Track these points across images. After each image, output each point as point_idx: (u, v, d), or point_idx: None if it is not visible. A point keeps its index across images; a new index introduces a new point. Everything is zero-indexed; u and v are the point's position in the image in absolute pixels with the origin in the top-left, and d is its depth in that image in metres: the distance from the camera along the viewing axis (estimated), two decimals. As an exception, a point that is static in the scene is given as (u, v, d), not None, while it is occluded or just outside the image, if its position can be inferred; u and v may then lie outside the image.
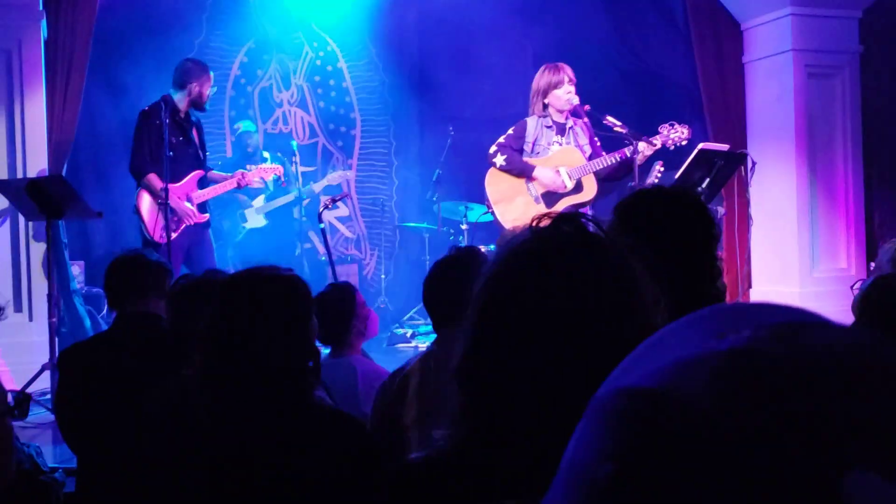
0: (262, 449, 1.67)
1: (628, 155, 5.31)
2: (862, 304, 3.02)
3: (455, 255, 2.63)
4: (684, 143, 5.47)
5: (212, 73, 5.99)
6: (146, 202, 5.75)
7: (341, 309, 3.23)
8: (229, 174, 6.17)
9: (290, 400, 1.73)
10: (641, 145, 5.29)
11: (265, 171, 6.35)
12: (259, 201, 7.28)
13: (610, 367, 0.93)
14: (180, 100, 5.80)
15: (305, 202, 7.44)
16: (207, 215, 5.97)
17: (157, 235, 5.67)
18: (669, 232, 1.82)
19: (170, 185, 5.55)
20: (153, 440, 1.80)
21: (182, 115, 5.82)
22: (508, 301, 1.00)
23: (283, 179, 6.61)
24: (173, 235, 5.63)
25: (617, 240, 1.01)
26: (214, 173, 6.17)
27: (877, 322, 2.98)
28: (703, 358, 0.43)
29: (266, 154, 7.62)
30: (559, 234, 1.02)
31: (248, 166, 6.48)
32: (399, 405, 2.39)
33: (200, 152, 5.94)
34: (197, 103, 5.86)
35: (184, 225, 5.77)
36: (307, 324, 1.80)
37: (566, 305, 0.97)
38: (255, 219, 7.29)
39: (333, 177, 7.49)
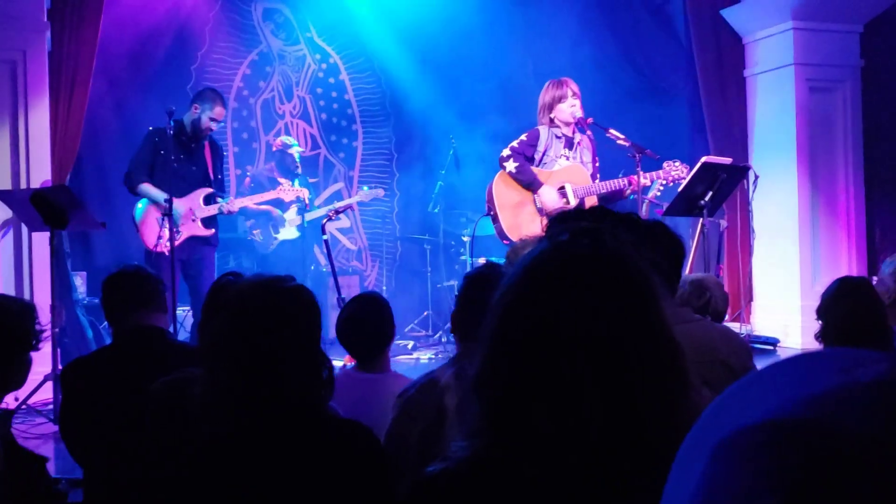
0: (276, 463, 1.65)
1: (628, 185, 5.42)
2: (826, 304, 3.14)
3: (487, 272, 2.49)
4: (680, 181, 5.56)
5: (221, 108, 5.94)
6: (143, 214, 5.81)
7: (380, 321, 3.03)
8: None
9: (305, 413, 1.72)
10: (642, 180, 5.37)
11: (286, 193, 6.37)
12: (291, 213, 7.28)
13: (627, 380, 0.94)
14: (186, 119, 5.89)
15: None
16: (213, 230, 5.97)
17: (155, 246, 5.70)
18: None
19: (173, 199, 5.60)
20: (161, 454, 1.78)
21: (189, 135, 5.88)
22: (527, 313, 1.01)
23: (307, 203, 6.64)
24: (171, 246, 5.68)
25: (635, 253, 1.02)
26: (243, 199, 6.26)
27: (839, 321, 3.08)
28: (845, 390, 0.43)
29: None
30: (578, 247, 1.02)
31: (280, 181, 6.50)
32: (439, 424, 2.22)
33: (211, 173, 5.95)
34: (195, 126, 5.86)
35: (184, 237, 5.77)
36: (316, 334, 1.79)
37: (584, 318, 0.97)
38: (287, 231, 7.29)
39: (367, 194, 7.46)
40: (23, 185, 5.94)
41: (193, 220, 5.86)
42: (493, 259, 7.16)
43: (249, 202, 6.24)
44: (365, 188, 7.61)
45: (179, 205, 5.72)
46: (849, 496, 0.39)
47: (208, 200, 5.95)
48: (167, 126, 5.64)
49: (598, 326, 0.96)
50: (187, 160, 5.88)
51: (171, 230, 5.49)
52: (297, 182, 6.93)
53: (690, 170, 5.53)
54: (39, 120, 6.06)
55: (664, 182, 5.50)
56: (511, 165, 5.52)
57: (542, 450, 0.98)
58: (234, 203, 6.05)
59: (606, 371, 0.96)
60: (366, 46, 8.68)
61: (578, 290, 0.99)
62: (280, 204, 7.18)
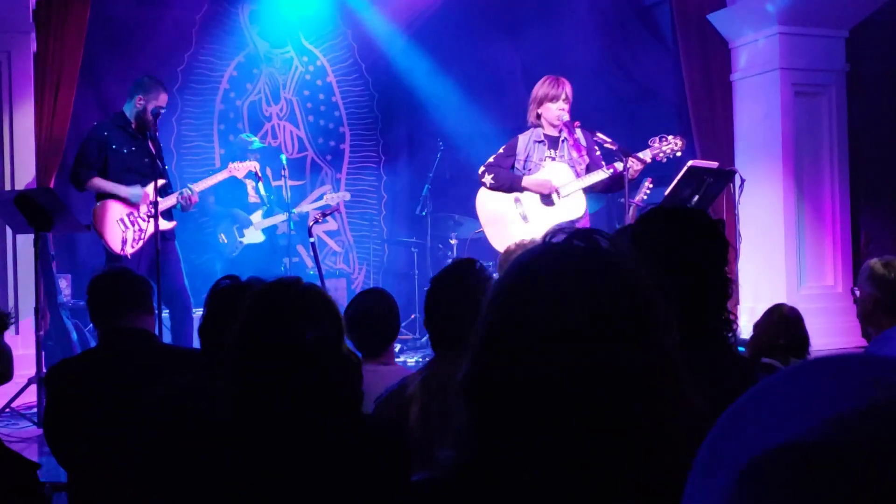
0: (311, 465, 1.61)
1: (619, 169, 5.31)
2: (759, 321, 3.78)
3: (456, 270, 2.53)
4: (679, 154, 5.45)
5: (165, 94, 5.85)
6: (102, 216, 5.68)
7: (389, 314, 3.18)
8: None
9: (342, 413, 1.68)
10: (630, 161, 5.28)
11: (238, 170, 6.26)
12: (257, 216, 7.24)
13: (619, 386, 0.94)
14: (129, 112, 5.75)
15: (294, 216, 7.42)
16: (174, 223, 5.89)
17: (121, 248, 5.62)
18: (682, 254, 1.83)
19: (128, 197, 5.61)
20: (171, 455, 1.74)
21: (133, 127, 5.74)
22: (518, 316, 0.99)
23: (258, 175, 6.53)
24: (137, 247, 5.65)
25: (630, 258, 1.01)
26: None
27: (766, 341, 3.64)
28: (877, 408, 0.42)
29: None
30: (572, 249, 1.01)
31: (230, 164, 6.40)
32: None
33: (160, 164, 5.81)
34: (141, 118, 5.71)
35: (150, 234, 5.63)
36: (341, 330, 1.76)
37: (577, 322, 0.96)
38: (253, 234, 7.26)
39: (332, 197, 7.42)
40: (7, 187, 5.90)
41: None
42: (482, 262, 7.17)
43: (205, 185, 6.11)
44: (330, 193, 7.57)
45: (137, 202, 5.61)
46: None
47: (163, 192, 5.81)
48: (110, 119, 5.60)
49: (589, 329, 0.95)
50: (139, 152, 5.74)
51: (156, 227, 5.42)
52: (260, 185, 6.82)
53: (685, 144, 5.50)
54: (24, 121, 6.02)
55: (658, 159, 5.41)
56: (488, 179, 5.58)
57: (532, 456, 0.97)
58: (194, 187, 5.91)
59: (599, 374, 0.95)
60: (353, 49, 8.67)
61: (570, 292, 0.97)
62: (245, 204, 7.12)
